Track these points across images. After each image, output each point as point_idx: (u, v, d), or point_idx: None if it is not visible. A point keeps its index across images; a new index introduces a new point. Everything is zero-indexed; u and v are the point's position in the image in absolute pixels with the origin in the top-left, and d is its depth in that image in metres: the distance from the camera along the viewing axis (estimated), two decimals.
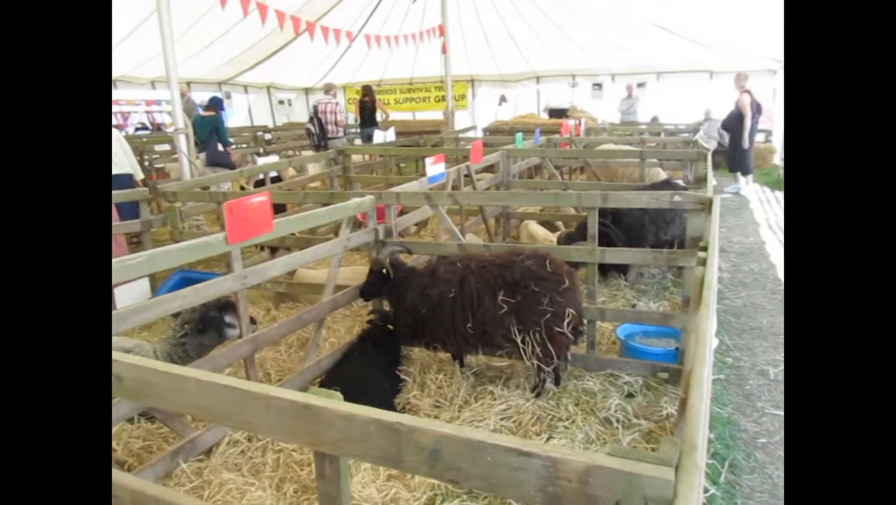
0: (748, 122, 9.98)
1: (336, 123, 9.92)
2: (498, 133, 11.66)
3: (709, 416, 3.19)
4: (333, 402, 1.17)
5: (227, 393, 1.25)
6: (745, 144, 10.12)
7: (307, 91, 19.49)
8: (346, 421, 1.14)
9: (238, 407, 1.24)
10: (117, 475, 1.60)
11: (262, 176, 6.52)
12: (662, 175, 6.99)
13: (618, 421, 3.27)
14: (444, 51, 12.53)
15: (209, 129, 8.45)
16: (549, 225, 6.75)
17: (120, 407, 2.55)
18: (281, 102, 18.92)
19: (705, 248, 2.31)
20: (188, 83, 14.72)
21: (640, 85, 15.05)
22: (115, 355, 1.41)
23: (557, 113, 13.84)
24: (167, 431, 3.23)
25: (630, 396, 3.60)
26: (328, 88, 10.86)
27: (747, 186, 10.51)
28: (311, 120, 10.17)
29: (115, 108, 13.53)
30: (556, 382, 3.68)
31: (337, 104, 10.08)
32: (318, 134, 9.97)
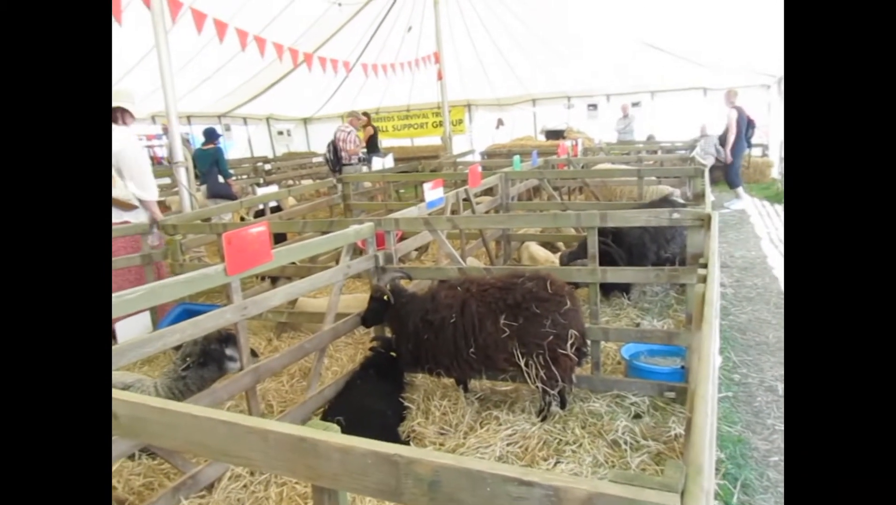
0: (731, 137, 10.26)
1: (348, 151, 10.20)
2: (496, 156, 11.73)
3: (717, 435, 3.14)
4: (330, 434, 1.15)
5: (222, 428, 1.23)
6: (728, 159, 10.37)
7: (306, 121, 19.72)
8: (343, 454, 1.12)
9: (234, 442, 1.22)
10: None
11: (261, 206, 6.55)
12: (667, 190, 6.98)
13: (626, 443, 3.22)
14: (439, 77, 12.69)
15: (209, 162, 8.53)
16: (551, 246, 6.74)
17: (119, 444, 2.51)
18: (280, 133, 19.12)
19: (705, 265, 2.29)
20: (188, 117, 14.94)
21: (636, 104, 15.20)
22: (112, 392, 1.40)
23: (554, 134, 13.96)
24: (168, 468, 3.19)
25: (637, 416, 3.55)
26: (350, 115, 11.10)
27: (739, 200, 10.58)
28: (328, 147, 10.52)
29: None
30: (562, 405, 3.63)
31: (350, 132, 10.32)
32: (332, 160, 10.31)
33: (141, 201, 5.13)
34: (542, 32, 13.86)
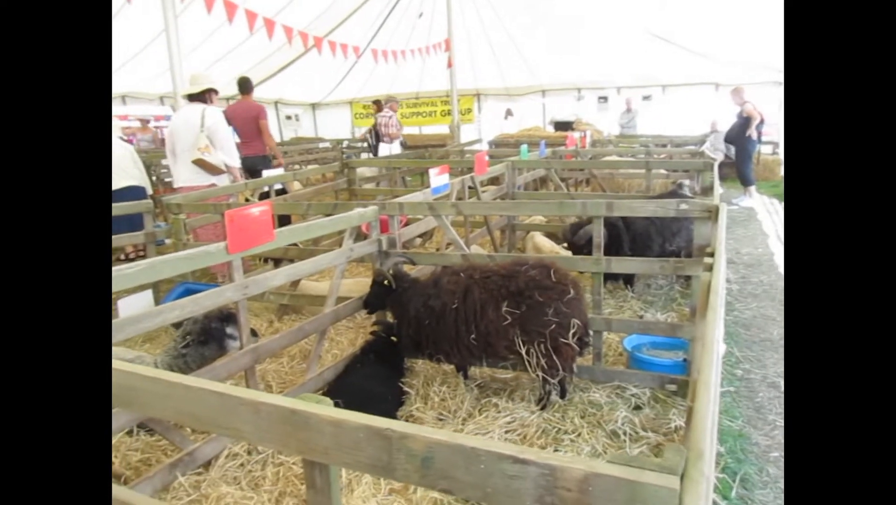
0: (754, 122, 10.00)
1: (390, 136, 10.63)
2: (503, 146, 11.66)
3: (718, 428, 3.11)
4: (322, 407, 1.13)
5: (213, 399, 1.21)
6: (754, 134, 10.11)
7: (314, 106, 19.64)
8: (336, 427, 1.09)
9: (225, 413, 1.20)
10: (114, 489, 1.55)
11: (266, 189, 6.53)
12: (685, 183, 6.89)
13: (625, 434, 3.19)
14: (449, 65, 12.60)
15: None
16: (555, 237, 6.69)
17: (118, 418, 2.50)
18: (288, 118, 19.08)
19: (712, 254, 2.25)
20: None
21: (646, 98, 15.06)
22: None
23: (563, 126, 13.86)
24: (166, 444, 3.18)
25: (638, 408, 3.52)
26: (388, 101, 11.47)
27: (749, 198, 10.46)
28: (370, 131, 11.06)
29: (124, 124, 13.66)
30: (562, 395, 3.60)
31: (391, 117, 10.80)
32: (374, 145, 10.73)
33: (227, 167, 5.93)
34: (554, 22, 13.72)
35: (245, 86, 7.86)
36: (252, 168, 7.39)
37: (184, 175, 5.83)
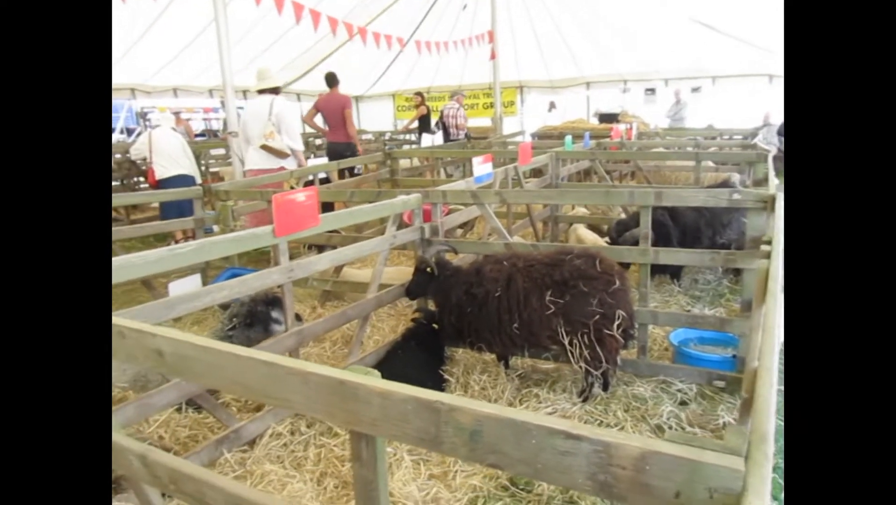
0: None
1: (457, 127, 10.89)
2: (547, 138, 11.51)
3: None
4: (370, 379, 1.12)
5: (263, 368, 1.22)
6: None
7: (357, 99, 19.78)
8: (383, 399, 1.08)
9: (275, 383, 1.21)
10: (163, 456, 1.60)
11: (311, 177, 6.62)
12: (736, 178, 6.67)
13: (670, 428, 3.11)
14: (493, 57, 12.50)
15: None
16: (599, 231, 6.57)
17: (168, 393, 2.58)
18: None
19: (769, 242, 2.16)
20: (244, 92, 15.21)
21: (696, 90, 14.60)
22: (157, 330, 1.41)
23: (608, 118, 13.56)
24: (213, 421, 3.27)
25: (684, 403, 3.43)
26: (454, 94, 11.88)
27: None
28: (437, 123, 11.27)
29: (186, 116, 14.10)
30: (605, 388, 3.53)
31: (459, 109, 11.09)
32: (442, 136, 11.01)
33: (292, 151, 6.50)
34: (601, 13, 13.44)
35: (332, 80, 8.61)
36: (339, 153, 8.19)
37: (254, 159, 6.45)
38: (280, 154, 6.42)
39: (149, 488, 1.70)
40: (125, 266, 2.40)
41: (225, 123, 11.46)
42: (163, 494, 1.84)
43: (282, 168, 6.43)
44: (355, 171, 8.36)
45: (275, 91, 6.51)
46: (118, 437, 1.67)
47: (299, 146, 6.65)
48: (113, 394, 3.48)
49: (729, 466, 0.83)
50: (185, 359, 1.34)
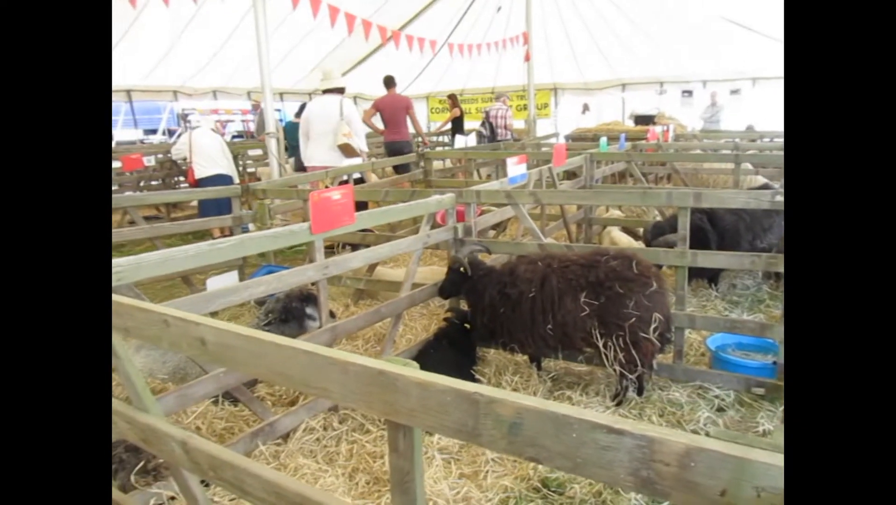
0: None
1: (505, 127, 11.00)
2: (581, 140, 11.40)
3: None
4: (409, 370, 1.13)
5: (303, 358, 1.24)
6: None
7: None
8: (422, 389, 1.09)
9: (315, 372, 1.23)
10: (203, 443, 1.63)
11: (345, 177, 6.70)
12: (761, 180, 6.52)
13: (707, 435, 3.04)
14: (527, 58, 12.45)
15: (298, 135, 8.80)
16: (633, 234, 6.47)
17: (206, 385, 2.64)
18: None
19: None
20: (280, 94, 15.49)
21: (735, 91, 14.28)
22: (201, 319, 1.44)
23: (644, 120, 13.36)
24: (248, 415, 3.33)
25: (721, 410, 3.34)
26: (499, 96, 11.98)
27: None
28: (482, 124, 11.32)
29: (214, 117, 14.40)
30: (639, 392, 3.47)
31: (507, 110, 11.19)
32: (488, 136, 11.06)
33: (359, 150, 6.76)
34: (636, 14, 13.26)
35: (389, 82, 9.05)
36: (398, 151, 8.60)
37: (317, 156, 6.70)
38: (353, 153, 6.66)
39: (188, 475, 1.74)
40: (168, 260, 2.47)
41: (259, 125, 11.79)
42: (202, 482, 1.88)
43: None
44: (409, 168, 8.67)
45: (340, 91, 6.73)
46: (160, 423, 1.72)
47: (365, 147, 7.01)
48: (153, 385, 3.58)
49: (777, 463, 0.80)
50: (227, 348, 1.37)
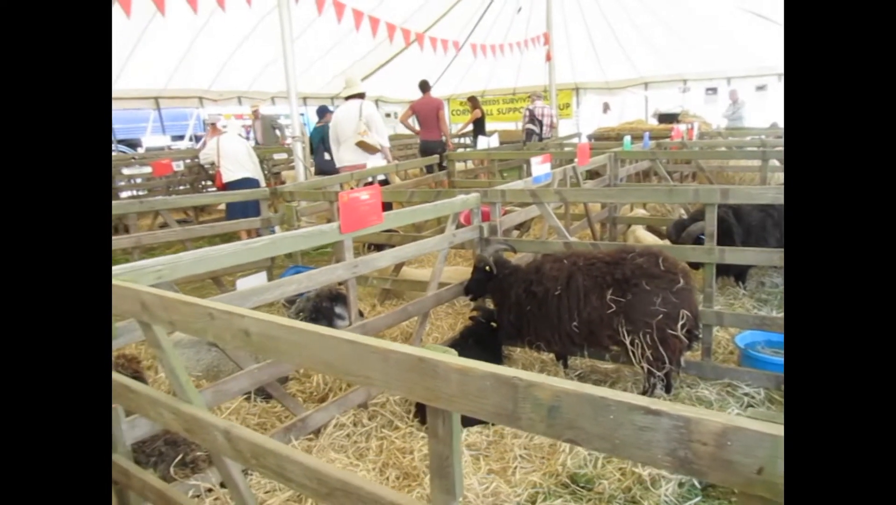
0: None
1: (551, 126, 11.48)
2: (604, 139, 11.35)
3: None
4: (448, 357, 1.17)
5: (346, 347, 1.29)
6: None
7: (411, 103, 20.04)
8: (462, 375, 1.13)
9: (357, 361, 1.27)
10: (245, 431, 1.69)
11: (370, 179, 6.78)
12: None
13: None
14: (548, 58, 12.44)
15: (318, 139, 8.94)
16: (658, 233, 6.43)
17: (241, 381, 2.72)
18: (388, 115, 19.60)
19: None
20: (304, 98, 15.67)
21: (760, 88, 14.07)
22: (244, 311, 1.50)
23: (668, 118, 13.24)
24: (280, 411, 3.40)
25: (751, 406, 3.32)
26: (532, 95, 12.53)
27: None
28: (531, 121, 11.73)
29: (240, 122, 14.60)
30: (667, 390, 3.47)
31: (545, 107, 11.68)
32: (538, 133, 11.48)
33: (381, 146, 7.22)
34: (658, 12, 13.16)
35: (424, 86, 9.70)
36: (431, 150, 9.27)
37: (346, 158, 7.19)
38: (371, 149, 7.10)
39: (231, 463, 1.80)
40: (203, 259, 2.55)
41: (266, 132, 12.20)
42: (242, 471, 1.94)
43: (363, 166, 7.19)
44: (443, 164, 9.03)
45: (360, 96, 7.25)
46: (204, 413, 1.78)
47: (387, 143, 7.42)
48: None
49: None
50: (271, 339, 1.43)
